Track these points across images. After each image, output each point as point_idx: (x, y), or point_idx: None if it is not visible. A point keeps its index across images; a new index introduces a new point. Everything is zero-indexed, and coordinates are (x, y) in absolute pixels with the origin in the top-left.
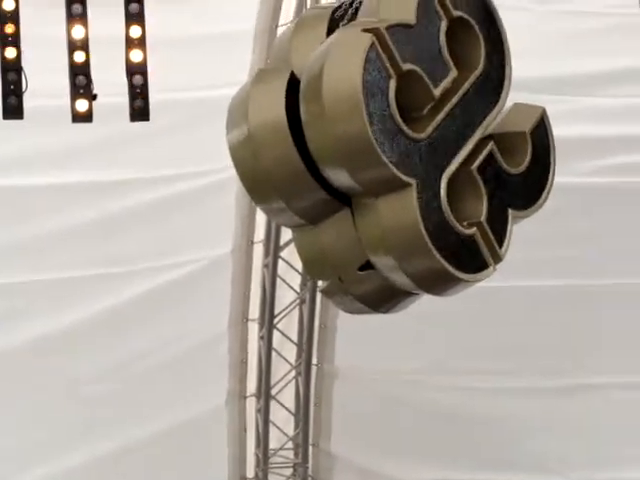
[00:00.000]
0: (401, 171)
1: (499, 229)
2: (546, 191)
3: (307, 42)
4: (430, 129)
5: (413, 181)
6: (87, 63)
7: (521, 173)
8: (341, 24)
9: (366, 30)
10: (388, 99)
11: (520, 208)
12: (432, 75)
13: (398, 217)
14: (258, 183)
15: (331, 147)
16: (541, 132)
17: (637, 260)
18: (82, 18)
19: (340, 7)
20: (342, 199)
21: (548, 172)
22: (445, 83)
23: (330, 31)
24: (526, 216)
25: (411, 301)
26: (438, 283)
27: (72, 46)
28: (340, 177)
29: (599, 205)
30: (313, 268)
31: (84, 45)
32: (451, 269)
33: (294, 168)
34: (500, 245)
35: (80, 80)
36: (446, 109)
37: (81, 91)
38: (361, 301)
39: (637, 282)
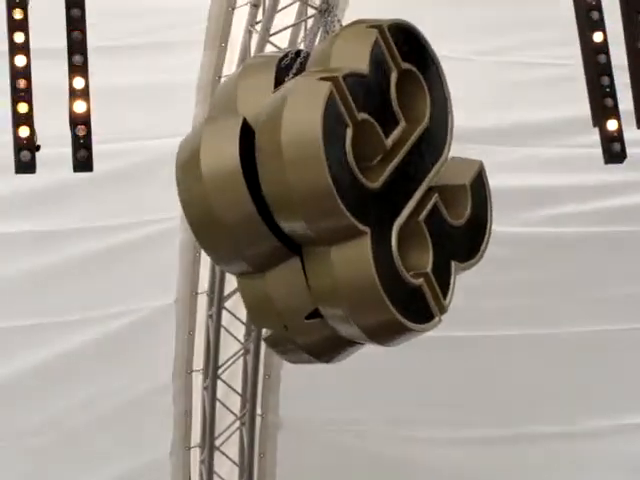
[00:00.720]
0: (357, 220)
1: (443, 280)
2: (485, 242)
3: (254, 89)
4: (382, 179)
5: (368, 230)
6: (30, 114)
7: (462, 225)
8: (290, 72)
9: (324, 79)
10: (345, 147)
11: (462, 259)
12: (383, 126)
13: (351, 266)
14: (207, 228)
15: (288, 193)
16: (479, 185)
17: (590, 307)
18: (26, 70)
19: (286, 56)
20: (291, 247)
21: (486, 224)
22: (395, 134)
23: (277, 80)
24: (468, 267)
25: (354, 350)
26: (388, 334)
27: (16, 97)
28: (294, 224)
29: (549, 254)
30: (258, 316)
31: (28, 96)
32: (403, 320)
33: (246, 214)
34: (444, 296)
35: (23, 130)
36: (396, 160)
37: (24, 142)
38: (305, 350)
39: (591, 329)
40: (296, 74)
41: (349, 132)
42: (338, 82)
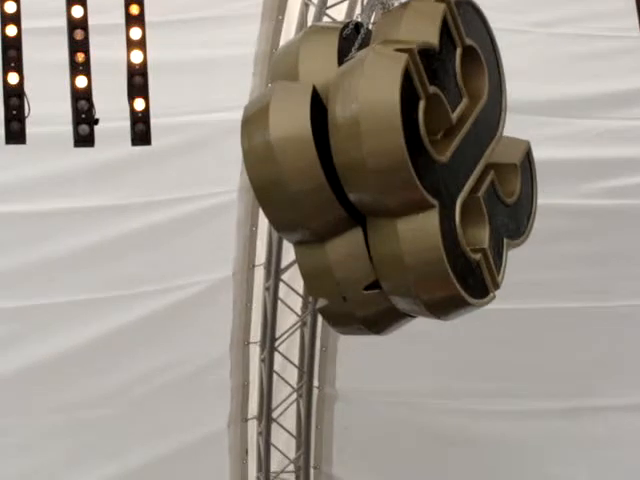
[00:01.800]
0: (428, 193)
1: (497, 257)
2: (531, 221)
3: (317, 58)
4: (449, 153)
5: (436, 203)
6: (89, 88)
7: (513, 203)
8: (355, 43)
9: (400, 50)
10: (418, 120)
11: (513, 237)
12: (449, 100)
13: (419, 239)
14: (272, 192)
15: (362, 163)
16: (526, 164)
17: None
18: (84, 44)
19: (346, 27)
20: (355, 217)
21: (532, 203)
22: (459, 109)
23: (339, 51)
24: (516, 245)
25: (406, 322)
26: (448, 307)
27: (74, 71)
28: (365, 194)
29: (606, 227)
30: (315, 285)
31: (86, 69)
32: (464, 294)
33: (315, 181)
34: (498, 272)
35: (82, 105)
36: (460, 135)
37: (83, 116)
38: (360, 321)
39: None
40: (360, 46)
41: (422, 104)
42: (414, 54)
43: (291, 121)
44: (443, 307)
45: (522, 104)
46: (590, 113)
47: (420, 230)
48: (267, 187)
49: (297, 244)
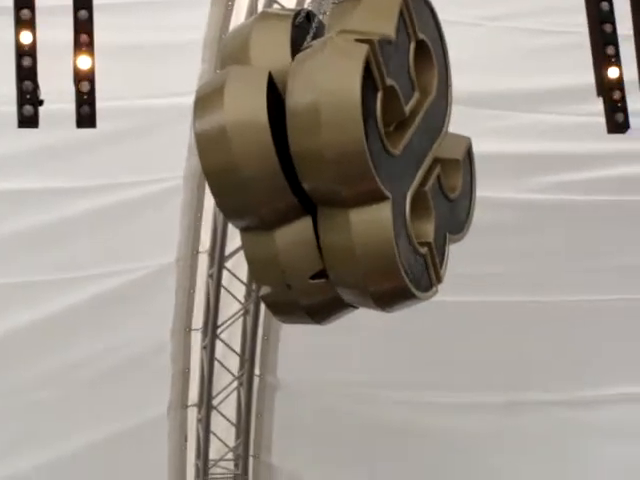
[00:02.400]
0: (383, 185)
1: (440, 251)
2: (470, 217)
3: (270, 44)
4: (401, 146)
5: (390, 195)
6: (34, 69)
7: (455, 198)
8: (310, 32)
9: (360, 40)
10: (376, 112)
11: (453, 232)
12: (402, 93)
13: (371, 230)
14: (225, 178)
15: (320, 152)
16: (467, 161)
17: (586, 276)
18: (30, 24)
19: (298, 14)
20: (306, 206)
21: (471, 199)
22: (411, 103)
23: (293, 38)
24: (457, 240)
25: (348, 313)
26: (395, 300)
27: (20, 51)
28: (321, 183)
29: (550, 221)
30: (260, 273)
31: (32, 51)
32: (411, 287)
33: (269, 168)
34: (441, 266)
35: (27, 85)
36: (412, 128)
37: (27, 96)
38: (304, 310)
39: (586, 298)
40: (315, 36)
41: (380, 96)
42: (374, 45)
43: (247, 105)
44: (389, 299)
45: (469, 96)
46: (537, 107)
47: (373, 221)
48: (218, 170)
49: (244, 230)
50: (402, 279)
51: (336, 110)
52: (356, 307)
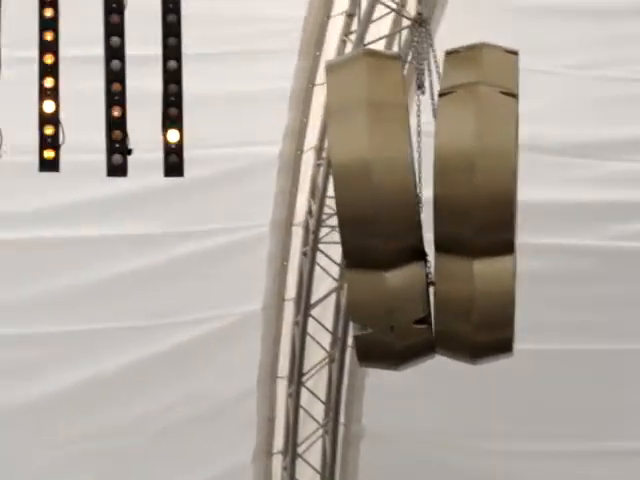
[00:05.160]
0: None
1: None
2: None
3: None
4: None
5: (514, 249)
6: (124, 117)
7: None
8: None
9: (505, 94)
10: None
11: None
12: None
13: (494, 283)
14: (359, 210)
15: (471, 197)
16: None
17: None
18: (120, 74)
19: (399, 57)
20: (421, 251)
21: None
22: None
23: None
24: None
25: (423, 362)
26: (494, 354)
27: (110, 101)
28: (460, 229)
29: (631, 270)
30: (365, 312)
31: (121, 99)
32: (512, 341)
33: (407, 206)
34: None
35: (116, 134)
36: None
37: (117, 145)
38: (394, 355)
39: None
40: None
41: None
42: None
43: (391, 148)
44: (489, 352)
45: (554, 145)
46: (621, 155)
47: (497, 274)
48: (355, 205)
49: (354, 268)
50: (512, 332)
51: (492, 158)
52: (435, 356)
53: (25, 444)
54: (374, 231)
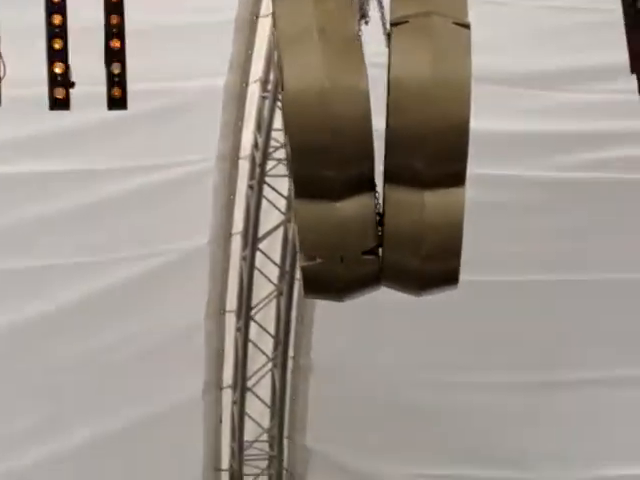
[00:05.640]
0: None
1: None
2: None
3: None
4: None
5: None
6: (65, 50)
7: None
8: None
9: (457, 24)
10: None
11: None
12: None
13: (443, 213)
14: (313, 139)
15: (424, 127)
16: None
17: (620, 255)
18: (61, 6)
19: None
20: (372, 182)
21: None
22: None
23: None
24: None
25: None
26: (441, 285)
27: (51, 33)
28: (410, 160)
29: (581, 200)
30: (315, 242)
31: (63, 33)
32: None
33: (363, 135)
34: None
35: (58, 67)
36: None
37: (59, 79)
38: (341, 286)
39: (621, 277)
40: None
41: None
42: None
43: (349, 75)
44: (437, 283)
45: (502, 75)
46: (569, 86)
47: (447, 205)
48: (307, 130)
49: (305, 198)
50: (458, 262)
51: (447, 88)
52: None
53: None
54: (327, 160)
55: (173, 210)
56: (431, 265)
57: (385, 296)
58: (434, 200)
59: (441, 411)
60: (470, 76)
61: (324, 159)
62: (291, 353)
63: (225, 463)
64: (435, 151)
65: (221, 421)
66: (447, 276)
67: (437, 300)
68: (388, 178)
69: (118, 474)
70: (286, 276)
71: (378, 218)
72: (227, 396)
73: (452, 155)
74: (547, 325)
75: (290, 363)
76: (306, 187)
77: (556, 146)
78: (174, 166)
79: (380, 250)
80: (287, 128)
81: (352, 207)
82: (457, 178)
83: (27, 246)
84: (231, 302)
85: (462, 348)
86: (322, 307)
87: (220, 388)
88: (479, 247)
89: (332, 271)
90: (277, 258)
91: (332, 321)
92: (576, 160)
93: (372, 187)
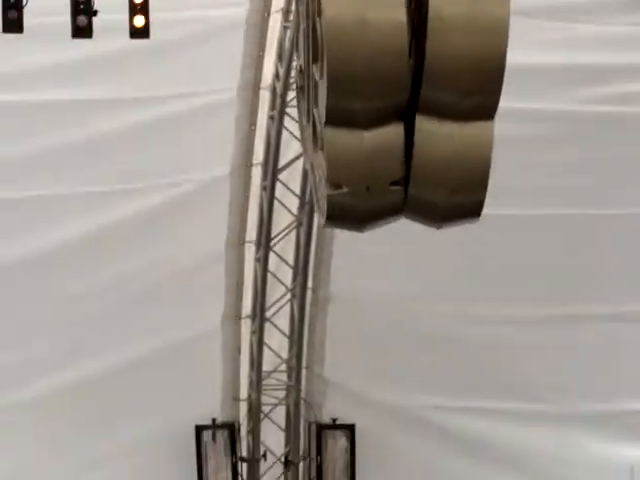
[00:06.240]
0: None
1: None
2: None
3: None
4: None
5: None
6: None
7: None
8: None
9: None
10: None
11: None
12: None
13: (474, 147)
14: (350, 68)
15: (463, 58)
16: None
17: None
18: None
19: None
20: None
21: None
22: None
23: None
24: None
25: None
26: (464, 217)
27: None
28: (448, 92)
29: (604, 134)
30: (343, 172)
31: None
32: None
33: (399, 66)
34: None
35: None
36: None
37: (81, 7)
38: (364, 215)
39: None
40: None
41: None
42: None
43: (388, 3)
44: (460, 215)
45: (524, 8)
46: (592, 18)
47: (477, 138)
48: (345, 58)
49: (336, 126)
50: (483, 197)
51: (488, 21)
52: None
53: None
54: (362, 90)
55: (194, 140)
56: (457, 197)
57: (405, 228)
58: (464, 132)
59: (461, 343)
60: (509, 9)
61: (358, 88)
62: (310, 284)
63: (243, 393)
64: (470, 84)
65: (240, 351)
66: (471, 209)
67: (458, 233)
68: (420, 110)
69: (137, 402)
70: (306, 207)
71: (408, 149)
72: (246, 326)
73: (486, 88)
74: (567, 259)
75: (309, 294)
76: (338, 115)
77: (580, 79)
78: (195, 96)
79: (406, 182)
80: (327, 54)
81: (382, 137)
82: (488, 111)
83: (50, 174)
84: (251, 233)
85: (483, 281)
86: (341, 238)
87: (239, 318)
88: (500, 180)
89: (357, 201)
90: (297, 189)
91: (351, 252)
92: (599, 93)
93: (403, 118)
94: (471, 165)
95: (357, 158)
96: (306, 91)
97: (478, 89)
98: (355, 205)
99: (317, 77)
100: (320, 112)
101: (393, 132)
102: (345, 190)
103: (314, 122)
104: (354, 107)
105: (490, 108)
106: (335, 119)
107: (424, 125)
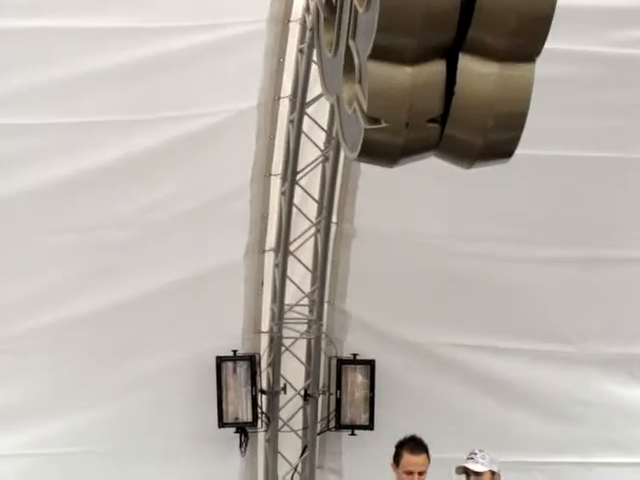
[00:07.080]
0: None
1: None
2: None
3: None
4: None
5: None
6: None
7: None
8: None
9: None
10: None
11: None
12: None
13: (514, 87)
14: (404, 4)
15: (513, 2)
16: None
17: None
18: None
19: None
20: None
21: None
22: None
23: None
24: None
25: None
26: (494, 158)
27: None
28: (495, 33)
29: (631, 77)
30: (385, 105)
31: None
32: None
33: (453, 1)
34: None
35: None
36: None
37: None
38: (399, 151)
39: None
40: None
41: None
42: None
43: None
44: (492, 155)
45: None
46: None
47: (518, 79)
48: None
49: (380, 60)
50: (518, 139)
51: None
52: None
53: (24, 231)
54: (413, 25)
55: (222, 72)
56: (492, 137)
57: (431, 168)
58: (506, 73)
59: (487, 284)
60: None
61: (410, 24)
62: (334, 219)
63: (265, 326)
64: (519, 25)
65: (262, 284)
66: (503, 149)
67: (489, 173)
68: (464, 49)
69: (157, 333)
70: (332, 142)
71: (449, 87)
72: (269, 259)
73: (534, 31)
74: (598, 202)
75: (333, 229)
76: (384, 50)
77: (610, 21)
78: (223, 27)
79: (443, 119)
80: None
81: (425, 73)
82: (532, 54)
83: (71, 102)
84: (277, 166)
85: (512, 223)
86: (367, 174)
87: (263, 251)
88: (531, 122)
89: (394, 136)
90: (324, 123)
91: (377, 189)
92: (631, 36)
93: (447, 56)
94: (510, 106)
95: (399, 93)
96: (336, 23)
97: (526, 31)
98: (391, 141)
99: (360, 9)
100: (361, 45)
101: (436, 69)
102: (384, 125)
103: (349, 55)
104: (402, 42)
105: (535, 51)
106: (380, 54)
107: (467, 64)
